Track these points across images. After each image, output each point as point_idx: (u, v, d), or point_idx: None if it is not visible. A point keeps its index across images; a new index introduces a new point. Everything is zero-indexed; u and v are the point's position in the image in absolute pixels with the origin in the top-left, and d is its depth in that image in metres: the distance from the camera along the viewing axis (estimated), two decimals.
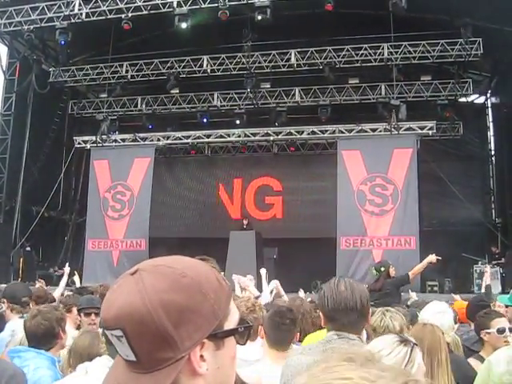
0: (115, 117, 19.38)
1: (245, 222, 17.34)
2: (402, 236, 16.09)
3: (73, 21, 15.99)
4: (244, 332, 1.10)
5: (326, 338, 2.45)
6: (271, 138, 18.87)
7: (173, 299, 0.97)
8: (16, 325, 4.03)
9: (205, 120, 19.76)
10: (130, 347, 0.96)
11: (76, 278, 8.88)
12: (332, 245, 16.43)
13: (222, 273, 7.50)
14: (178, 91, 19.76)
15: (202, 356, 1.00)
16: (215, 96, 19.71)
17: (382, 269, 8.00)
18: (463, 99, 18.62)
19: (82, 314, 4.82)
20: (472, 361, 3.78)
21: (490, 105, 20.51)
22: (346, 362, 0.80)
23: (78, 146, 19.44)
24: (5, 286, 7.42)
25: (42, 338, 3.36)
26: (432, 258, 8.37)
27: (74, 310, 4.95)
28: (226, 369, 1.07)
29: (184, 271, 1.01)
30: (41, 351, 3.32)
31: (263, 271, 7.71)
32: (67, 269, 8.72)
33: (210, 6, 15.21)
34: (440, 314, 3.89)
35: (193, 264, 1.06)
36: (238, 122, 19.03)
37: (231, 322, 1.07)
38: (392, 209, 16.38)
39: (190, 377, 1.00)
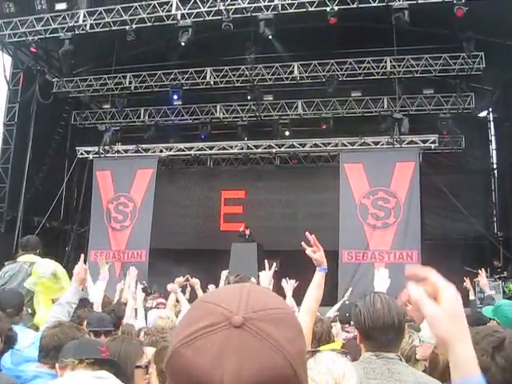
0: (118, 127, 19.41)
1: (247, 232, 17.26)
2: (404, 250, 16.05)
3: (77, 32, 16.08)
4: None
5: (364, 359, 2.35)
6: (274, 151, 18.87)
7: (301, 346, 0.86)
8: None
9: (202, 136, 19.76)
10: None
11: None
12: (333, 258, 16.34)
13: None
14: (180, 103, 19.79)
15: None
16: (218, 108, 19.77)
17: None
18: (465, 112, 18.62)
19: (91, 334, 4.45)
20: None
21: (492, 118, 20.50)
22: None
23: (81, 156, 19.49)
24: None
25: (52, 350, 3.04)
26: None
27: (85, 324, 4.75)
28: None
29: (290, 310, 0.89)
30: (42, 371, 3.03)
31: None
32: None
33: (213, 18, 15.28)
34: None
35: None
36: (240, 134, 19.02)
37: None
38: (394, 222, 16.34)
39: None
